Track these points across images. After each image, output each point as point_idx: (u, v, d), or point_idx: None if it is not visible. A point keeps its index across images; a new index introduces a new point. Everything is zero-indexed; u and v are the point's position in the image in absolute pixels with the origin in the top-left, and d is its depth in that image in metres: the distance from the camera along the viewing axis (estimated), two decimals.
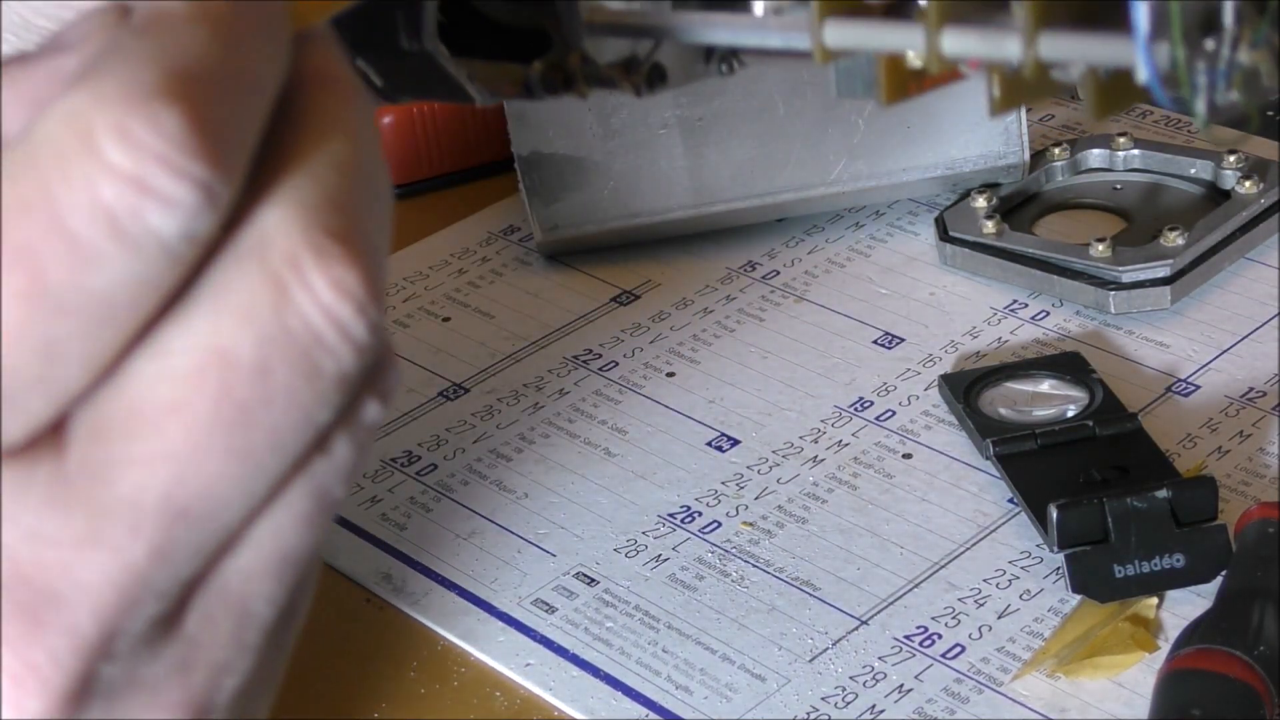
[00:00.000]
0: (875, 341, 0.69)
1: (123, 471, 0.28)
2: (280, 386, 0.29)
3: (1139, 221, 0.72)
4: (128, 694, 0.30)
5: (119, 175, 0.27)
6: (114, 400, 0.29)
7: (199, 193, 0.28)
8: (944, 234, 0.72)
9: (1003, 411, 0.63)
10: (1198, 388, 0.65)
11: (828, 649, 0.55)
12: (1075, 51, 0.29)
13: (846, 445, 0.63)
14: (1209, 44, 0.28)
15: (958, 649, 0.55)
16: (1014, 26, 0.30)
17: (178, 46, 0.28)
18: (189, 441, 0.29)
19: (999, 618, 0.56)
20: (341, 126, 0.30)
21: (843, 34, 0.32)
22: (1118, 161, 0.75)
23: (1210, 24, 0.28)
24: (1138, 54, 0.28)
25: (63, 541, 0.28)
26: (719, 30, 0.36)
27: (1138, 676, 0.53)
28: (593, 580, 0.59)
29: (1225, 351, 0.66)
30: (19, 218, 0.27)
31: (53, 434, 0.29)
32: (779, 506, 0.61)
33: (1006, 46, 0.30)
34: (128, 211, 0.27)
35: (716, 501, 0.61)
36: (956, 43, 0.31)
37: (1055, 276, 0.69)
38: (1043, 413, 0.63)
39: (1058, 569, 0.57)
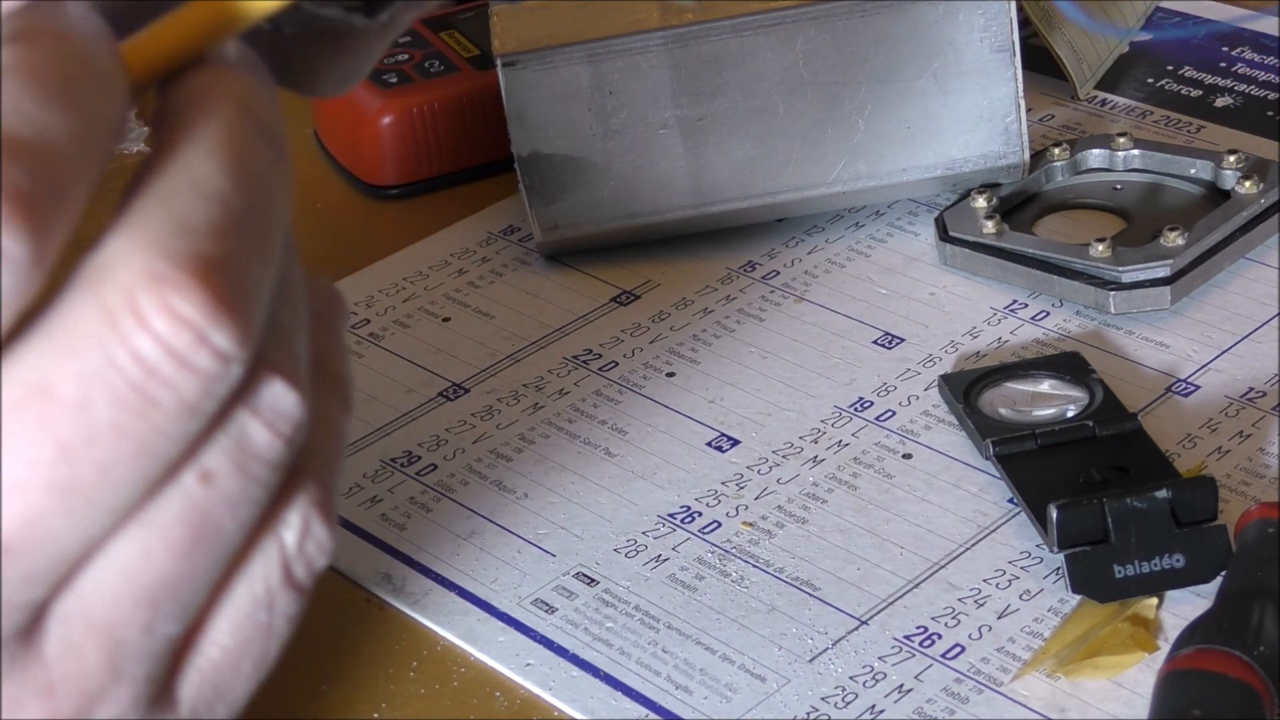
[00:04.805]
0: (875, 341, 0.69)
1: None
2: (104, 423, 0.28)
3: (1139, 221, 0.72)
4: None
5: None
6: None
7: None
8: (944, 234, 0.72)
9: (1003, 411, 0.63)
10: (1198, 388, 0.65)
11: (828, 649, 0.55)
12: None
13: (846, 445, 0.63)
14: None
15: (958, 649, 0.55)
16: None
17: None
18: (6, 477, 0.28)
19: (999, 618, 0.56)
20: (210, 148, 0.29)
21: None
22: (1118, 161, 0.75)
23: None
24: None
25: None
26: None
27: (1138, 676, 0.53)
28: (593, 580, 0.59)
29: (1225, 351, 0.66)
30: None
31: None
32: (779, 506, 0.61)
33: None
34: None
35: (716, 501, 0.61)
36: None
37: (1055, 276, 0.69)
38: (1043, 413, 0.63)
39: (1058, 569, 0.57)
